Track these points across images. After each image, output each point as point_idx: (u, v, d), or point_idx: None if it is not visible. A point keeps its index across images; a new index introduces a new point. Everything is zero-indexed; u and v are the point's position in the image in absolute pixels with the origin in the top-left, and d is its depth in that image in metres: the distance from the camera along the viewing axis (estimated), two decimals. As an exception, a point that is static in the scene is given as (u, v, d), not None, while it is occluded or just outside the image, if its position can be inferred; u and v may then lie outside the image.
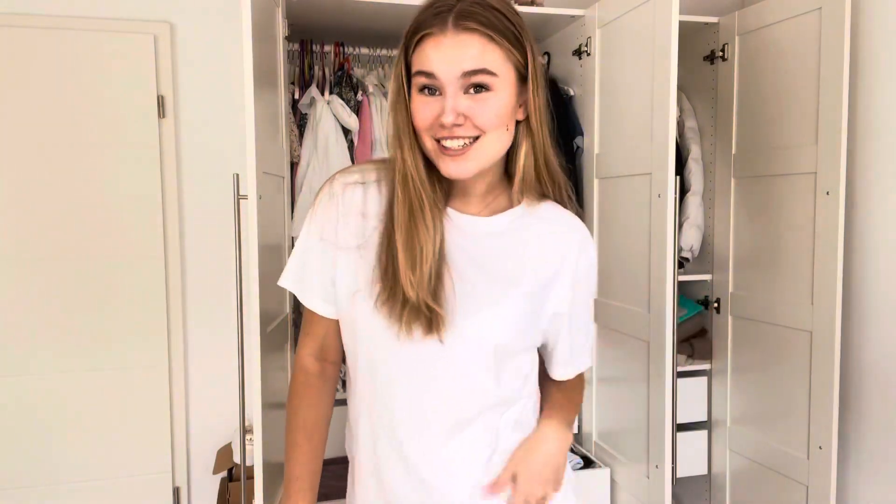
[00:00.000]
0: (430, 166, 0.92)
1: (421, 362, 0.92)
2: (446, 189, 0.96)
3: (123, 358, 2.43)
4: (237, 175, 1.70)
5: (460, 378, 0.93)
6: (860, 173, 1.94)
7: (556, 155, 1.00)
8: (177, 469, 2.51)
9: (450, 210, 0.96)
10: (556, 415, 1.04)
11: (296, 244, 1.01)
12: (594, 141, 2.15)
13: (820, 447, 1.93)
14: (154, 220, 2.42)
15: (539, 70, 0.92)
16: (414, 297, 0.88)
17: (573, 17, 2.18)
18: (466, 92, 0.86)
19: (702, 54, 2.36)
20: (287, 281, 1.01)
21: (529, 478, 0.97)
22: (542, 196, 1.00)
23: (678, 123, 2.34)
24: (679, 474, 2.23)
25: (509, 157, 0.98)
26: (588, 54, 2.15)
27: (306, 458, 1.01)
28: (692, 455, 2.38)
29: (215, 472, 2.39)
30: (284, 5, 1.92)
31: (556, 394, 1.08)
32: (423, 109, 0.88)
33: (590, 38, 2.13)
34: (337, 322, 1.01)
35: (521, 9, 2.12)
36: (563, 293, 1.00)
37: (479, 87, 0.86)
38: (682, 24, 1.85)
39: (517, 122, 0.94)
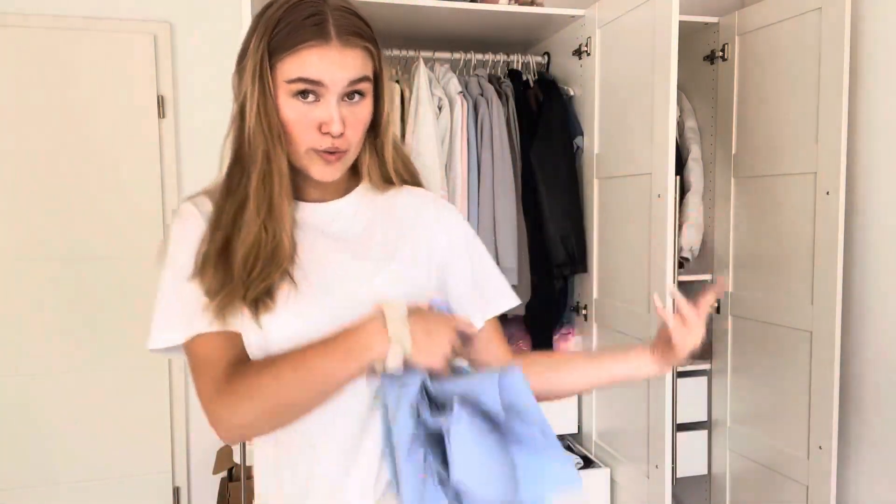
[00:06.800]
0: None
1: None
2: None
3: (123, 358, 2.43)
4: (237, 175, 1.70)
5: None
6: (860, 173, 1.94)
7: (402, 147, 1.05)
8: (177, 469, 2.51)
9: (300, 203, 0.96)
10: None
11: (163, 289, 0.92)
12: (594, 141, 2.15)
13: (820, 447, 1.92)
14: (154, 220, 2.42)
15: (385, 66, 0.96)
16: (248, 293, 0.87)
17: (573, 17, 2.18)
18: (343, 100, 0.89)
19: (702, 54, 2.36)
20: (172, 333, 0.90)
21: None
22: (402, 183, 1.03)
23: (678, 123, 2.34)
24: (679, 474, 2.23)
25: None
26: (588, 54, 2.15)
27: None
28: (692, 455, 2.37)
29: (215, 472, 2.39)
30: (284, 5, 1.92)
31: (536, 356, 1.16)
32: (303, 119, 0.88)
33: (590, 38, 2.13)
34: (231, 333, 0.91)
35: (521, 9, 2.12)
36: (442, 254, 1.01)
37: (355, 94, 0.90)
38: (682, 24, 1.85)
39: None
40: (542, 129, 2.20)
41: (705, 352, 2.38)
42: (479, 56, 2.34)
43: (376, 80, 0.95)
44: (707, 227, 2.37)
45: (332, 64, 0.87)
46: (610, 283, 2.11)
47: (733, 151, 2.24)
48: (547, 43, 2.43)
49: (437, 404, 0.86)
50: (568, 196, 2.18)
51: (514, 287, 2.28)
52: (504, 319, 2.47)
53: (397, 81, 2.25)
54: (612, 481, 2.12)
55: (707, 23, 2.28)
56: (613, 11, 2.00)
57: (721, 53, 2.27)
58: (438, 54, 2.30)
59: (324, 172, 0.92)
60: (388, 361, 0.83)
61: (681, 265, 2.35)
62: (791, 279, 2.03)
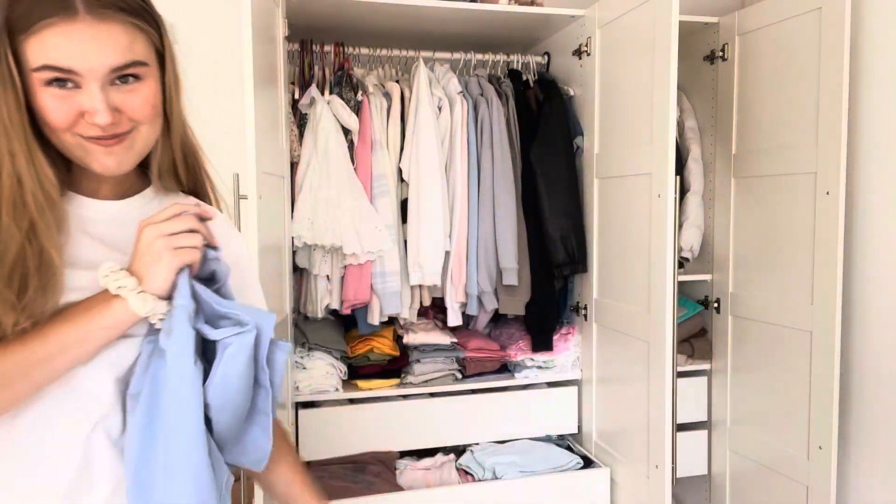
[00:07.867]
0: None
1: None
2: (65, 172, 0.80)
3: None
4: (237, 175, 1.70)
5: None
6: (860, 173, 1.94)
7: (196, 147, 0.93)
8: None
9: (76, 196, 0.81)
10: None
11: None
12: (594, 141, 2.15)
13: (820, 447, 1.93)
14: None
15: (171, 47, 0.81)
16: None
17: (573, 17, 2.18)
18: (113, 84, 0.74)
19: (702, 54, 2.36)
20: None
21: None
22: (181, 187, 0.90)
23: (678, 123, 2.34)
24: (679, 474, 2.23)
25: None
26: (588, 54, 2.15)
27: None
28: (692, 455, 2.38)
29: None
30: (284, 5, 1.92)
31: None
32: (61, 107, 0.73)
33: (590, 38, 2.13)
34: None
35: (521, 9, 2.12)
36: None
37: (129, 77, 0.75)
38: (682, 24, 1.85)
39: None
40: (542, 129, 2.20)
41: (705, 352, 2.38)
42: (479, 56, 2.34)
43: (162, 62, 0.80)
44: (707, 227, 2.37)
45: (81, 45, 0.71)
46: (610, 283, 2.11)
47: (733, 151, 2.24)
48: (547, 43, 2.43)
49: (209, 319, 0.79)
50: (568, 196, 2.19)
51: (514, 287, 2.29)
52: (504, 319, 2.48)
53: (397, 81, 2.25)
54: (612, 481, 2.12)
55: (707, 23, 2.28)
56: (613, 11, 2.01)
57: (721, 53, 2.27)
58: (438, 54, 2.30)
59: (106, 164, 0.77)
60: (139, 312, 0.74)
61: (681, 265, 2.35)
62: (791, 279, 2.03)
